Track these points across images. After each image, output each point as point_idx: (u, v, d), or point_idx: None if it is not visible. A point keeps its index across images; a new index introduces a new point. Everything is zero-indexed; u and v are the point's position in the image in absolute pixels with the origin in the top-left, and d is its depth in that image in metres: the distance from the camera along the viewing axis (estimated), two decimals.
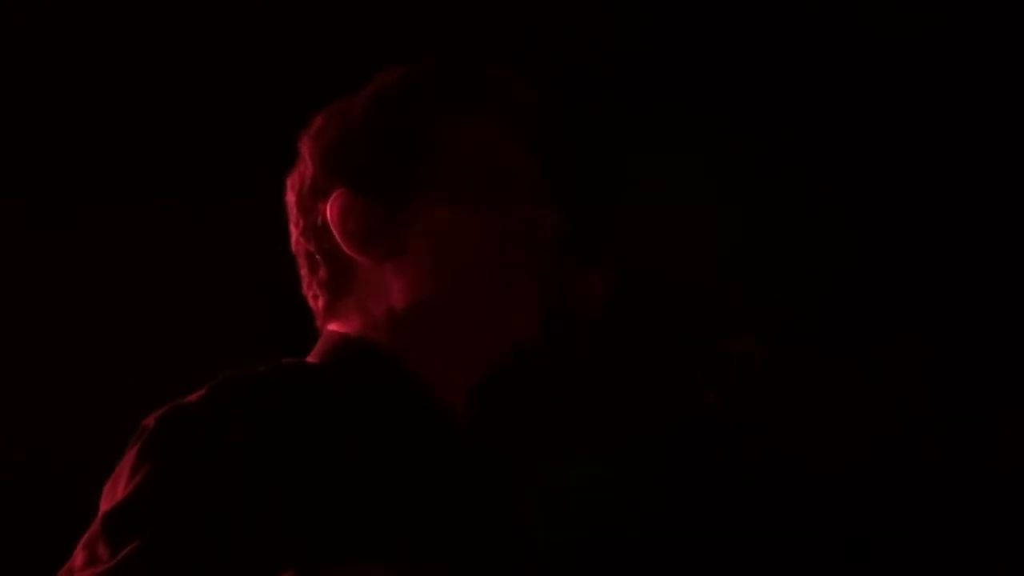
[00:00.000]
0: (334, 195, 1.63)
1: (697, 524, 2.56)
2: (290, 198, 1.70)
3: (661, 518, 2.52)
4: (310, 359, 1.67)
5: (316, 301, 1.69)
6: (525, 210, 1.64)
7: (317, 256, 1.66)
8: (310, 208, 1.66)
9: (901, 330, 2.65)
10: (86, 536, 1.42)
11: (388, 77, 1.67)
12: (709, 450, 2.52)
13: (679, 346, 1.61)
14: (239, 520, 1.40)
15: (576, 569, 1.87)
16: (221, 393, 1.50)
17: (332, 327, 1.67)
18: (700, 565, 2.62)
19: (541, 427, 1.68)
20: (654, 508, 2.50)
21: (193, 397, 1.50)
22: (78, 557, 1.40)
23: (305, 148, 1.68)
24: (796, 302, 2.60)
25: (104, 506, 1.45)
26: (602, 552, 2.45)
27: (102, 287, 2.66)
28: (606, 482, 2.41)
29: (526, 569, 1.64)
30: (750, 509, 2.53)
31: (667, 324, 1.61)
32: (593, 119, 2.17)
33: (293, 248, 1.70)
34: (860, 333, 2.64)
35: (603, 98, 2.62)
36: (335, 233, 1.63)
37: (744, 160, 2.67)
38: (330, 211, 1.63)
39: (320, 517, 1.45)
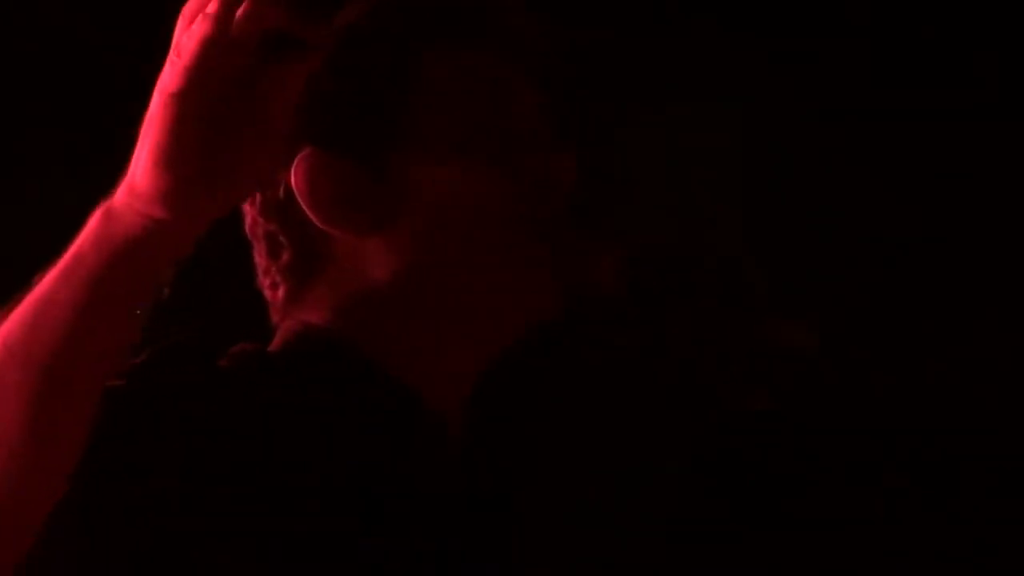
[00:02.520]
0: (299, 157, 1.39)
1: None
2: None
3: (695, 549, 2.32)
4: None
5: (275, 291, 1.45)
6: (536, 160, 1.43)
7: (281, 236, 1.43)
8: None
9: (977, 312, 2.47)
10: None
11: (357, 9, 1.43)
12: (754, 464, 2.32)
13: (713, 333, 1.43)
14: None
15: None
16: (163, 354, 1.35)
17: (294, 317, 1.45)
18: None
19: (549, 438, 1.49)
20: (686, 538, 2.31)
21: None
22: None
23: None
24: (847, 282, 2.44)
25: None
26: None
27: None
28: (627, 508, 2.22)
29: None
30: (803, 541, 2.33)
31: (698, 306, 1.43)
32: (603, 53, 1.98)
33: (248, 231, 1.46)
34: (925, 318, 2.47)
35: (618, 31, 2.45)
36: (303, 203, 1.39)
37: (788, 112, 2.50)
38: (295, 177, 1.38)
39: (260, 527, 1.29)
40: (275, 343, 1.45)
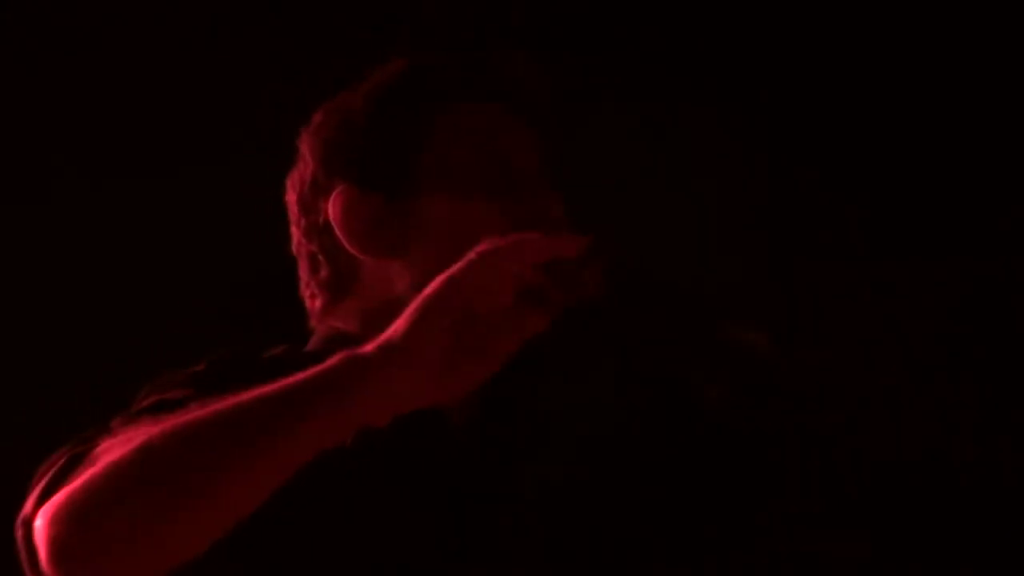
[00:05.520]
0: (336, 192, 1.62)
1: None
2: (291, 197, 1.69)
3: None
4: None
5: (314, 301, 1.68)
6: (531, 198, 1.64)
7: (320, 256, 1.65)
8: (312, 207, 1.65)
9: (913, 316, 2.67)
10: None
11: (388, 69, 1.67)
12: (711, 454, 2.49)
13: (674, 335, 1.58)
14: None
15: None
16: (219, 364, 1.53)
17: (328, 323, 1.67)
18: None
19: (538, 424, 1.67)
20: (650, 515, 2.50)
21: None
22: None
23: (305, 145, 1.68)
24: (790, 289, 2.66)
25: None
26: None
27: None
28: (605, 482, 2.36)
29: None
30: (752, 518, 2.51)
31: (660, 312, 1.57)
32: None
33: (294, 249, 1.69)
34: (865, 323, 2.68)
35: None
36: (337, 231, 1.62)
37: (734, 136, 2.71)
38: (332, 209, 1.62)
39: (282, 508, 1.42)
40: (311, 344, 1.66)
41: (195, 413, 1.34)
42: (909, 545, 2.60)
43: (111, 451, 1.35)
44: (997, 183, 2.75)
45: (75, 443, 1.43)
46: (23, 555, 1.38)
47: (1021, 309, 2.73)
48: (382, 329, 1.52)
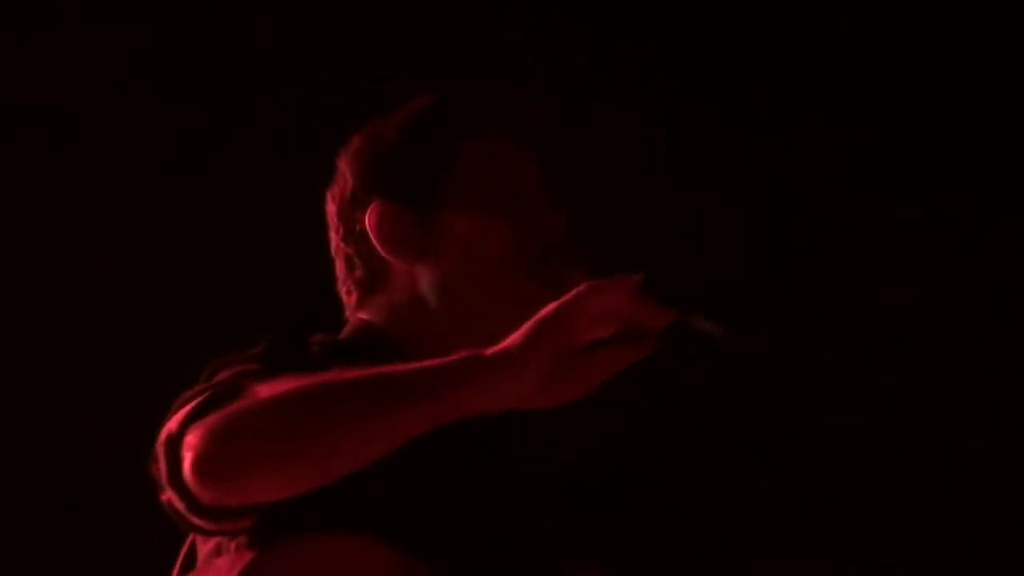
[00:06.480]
0: (372, 205, 1.84)
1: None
2: (331, 208, 1.91)
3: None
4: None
5: (349, 296, 1.89)
6: (536, 216, 1.84)
7: (356, 259, 1.86)
8: (350, 216, 1.87)
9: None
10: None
11: (417, 103, 1.90)
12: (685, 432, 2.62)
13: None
14: None
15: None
16: (278, 346, 1.73)
17: (360, 316, 1.86)
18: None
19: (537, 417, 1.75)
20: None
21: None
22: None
23: (344, 165, 1.90)
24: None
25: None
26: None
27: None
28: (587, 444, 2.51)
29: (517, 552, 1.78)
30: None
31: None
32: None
33: (333, 252, 1.90)
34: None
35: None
36: (372, 238, 1.84)
37: (734, 137, 2.77)
38: (368, 219, 1.84)
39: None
40: (344, 333, 1.86)
41: (336, 375, 1.56)
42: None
43: (259, 392, 1.57)
44: (997, 183, 2.79)
45: (211, 386, 1.62)
46: (164, 468, 1.57)
47: (1021, 309, 2.77)
48: (407, 322, 1.82)
